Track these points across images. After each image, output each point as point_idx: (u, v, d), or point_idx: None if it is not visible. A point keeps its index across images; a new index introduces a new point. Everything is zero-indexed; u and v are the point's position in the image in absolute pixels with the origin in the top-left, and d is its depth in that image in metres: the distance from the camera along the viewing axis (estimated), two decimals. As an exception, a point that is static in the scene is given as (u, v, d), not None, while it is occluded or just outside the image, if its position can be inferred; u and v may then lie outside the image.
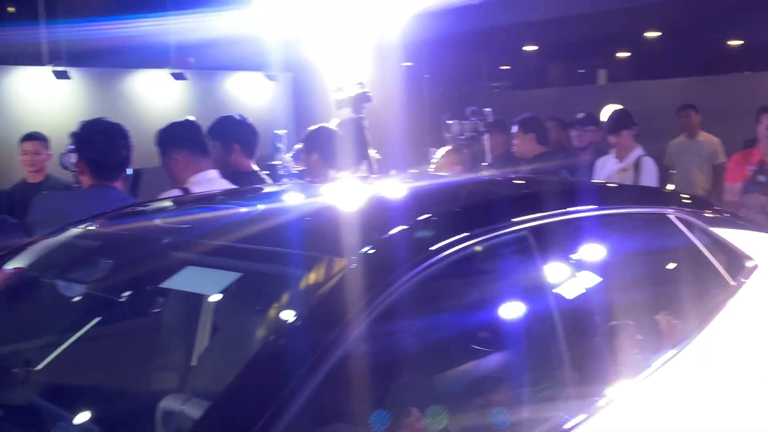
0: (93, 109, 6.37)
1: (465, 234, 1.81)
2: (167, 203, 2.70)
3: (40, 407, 1.92)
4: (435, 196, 2.40)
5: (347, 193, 2.63)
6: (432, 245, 1.73)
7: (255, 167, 3.69)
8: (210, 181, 3.18)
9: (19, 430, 1.79)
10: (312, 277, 1.69)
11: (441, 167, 4.59)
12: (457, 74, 10.69)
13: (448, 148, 4.86)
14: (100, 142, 2.92)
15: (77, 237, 2.22)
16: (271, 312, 1.85)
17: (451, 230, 1.81)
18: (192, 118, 3.46)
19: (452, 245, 1.75)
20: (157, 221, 2.36)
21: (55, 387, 2.09)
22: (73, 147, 3.61)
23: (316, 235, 1.90)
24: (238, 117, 3.77)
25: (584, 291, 2.03)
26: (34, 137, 5.31)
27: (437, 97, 10.00)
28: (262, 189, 3.06)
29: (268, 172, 3.89)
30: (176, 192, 3.13)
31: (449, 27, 7.60)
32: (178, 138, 3.27)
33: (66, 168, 3.93)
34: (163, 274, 2.04)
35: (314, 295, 1.63)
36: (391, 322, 1.67)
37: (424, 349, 1.98)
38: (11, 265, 2.21)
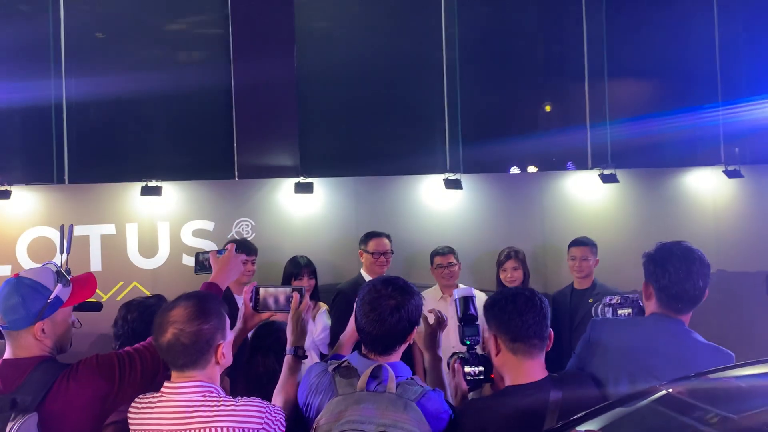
0: (640, 211, 6.12)
1: None
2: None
3: None
4: None
5: None
6: None
7: None
8: None
9: None
10: None
11: None
12: None
13: None
14: (677, 268, 2.54)
15: (661, 403, 1.83)
16: None
17: None
18: None
19: None
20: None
21: None
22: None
23: None
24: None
25: None
26: (582, 242, 5.27)
27: None
28: None
29: None
30: None
31: None
32: None
33: None
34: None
35: None
36: None
37: None
38: (585, 427, 1.93)
